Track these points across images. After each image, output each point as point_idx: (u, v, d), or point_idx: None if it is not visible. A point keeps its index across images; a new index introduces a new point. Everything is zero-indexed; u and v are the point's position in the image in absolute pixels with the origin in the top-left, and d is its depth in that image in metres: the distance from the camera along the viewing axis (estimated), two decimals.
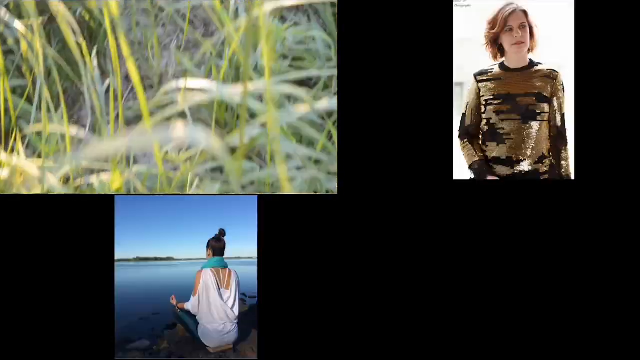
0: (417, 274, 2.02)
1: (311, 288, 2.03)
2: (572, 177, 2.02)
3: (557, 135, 2.01)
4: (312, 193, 2.05)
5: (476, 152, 2.03)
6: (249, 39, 1.99)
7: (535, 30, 1.97)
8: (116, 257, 2.01)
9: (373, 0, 2.04)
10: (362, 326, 2.03)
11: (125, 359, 1.99)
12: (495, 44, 2.00)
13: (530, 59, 2.00)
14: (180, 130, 1.37)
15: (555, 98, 2.00)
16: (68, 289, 2.01)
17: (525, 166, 2.00)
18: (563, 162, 2.01)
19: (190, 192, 2.04)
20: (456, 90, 2.06)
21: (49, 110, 1.95)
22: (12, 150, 2.03)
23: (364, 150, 2.04)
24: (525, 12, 1.96)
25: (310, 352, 2.03)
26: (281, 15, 2.39)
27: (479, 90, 2.03)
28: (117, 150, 1.79)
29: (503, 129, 2.00)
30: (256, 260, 2.02)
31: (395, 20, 2.04)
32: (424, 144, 2.05)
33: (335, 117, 2.04)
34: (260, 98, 2.03)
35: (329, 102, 1.98)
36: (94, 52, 2.16)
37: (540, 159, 2.01)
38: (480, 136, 2.05)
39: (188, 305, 2.01)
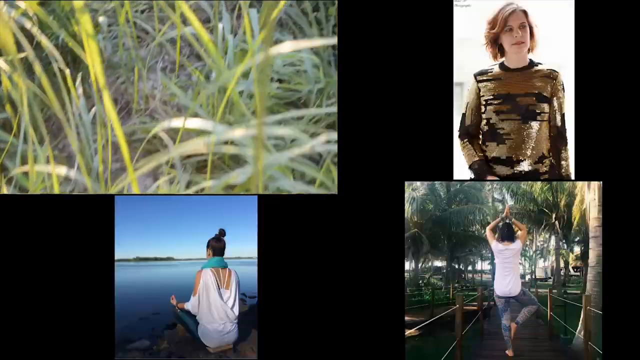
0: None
1: (311, 288, 2.03)
2: (572, 176, 2.02)
3: (557, 135, 2.01)
4: (312, 193, 2.04)
5: (476, 152, 2.03)
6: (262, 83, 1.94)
7: (535, 30, 1.96)
8: (116, 257, 2.01)
9: (373, 1, 2.04)
10: (362, 326, 2.03)
11: (125, 359, 1.99)
12: (495, 44, 2.00)
13: (530, 59, 2.00)
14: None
15: (555, 98, 2.00)
16: (68, 289, 2.01)
17: (525, 166, 2.00)
18: (563, 162, 2.01)
19: (190, 193, 2.03)
20: (456, 90, 2.05)
21: (33, 142, 1.93)
22: None
23: (364, 150, 2.04)
24: (525, 12, 1.96)
25: (310, 351, 2.03)
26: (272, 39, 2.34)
27: (479, 90, 2.03)
28: None
29: (503, 129, 2.00)
30: (256, 260, 2.02)
31: (395, 20, 2.04)
32: (424, 144, 2.05)
33: (334, 153, 2.02)
34: (253, 139, 1.97)
35: (327, 137, 1.96)
36: (79, 79, 2.13)
37: (540, 159, 2.00)
38: (480, 136, 2.04)
39: (188, 305, 2.01)
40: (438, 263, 2.31)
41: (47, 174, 1.95)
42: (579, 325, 2.05)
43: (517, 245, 2.07)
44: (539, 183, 2.17)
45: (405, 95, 2.04)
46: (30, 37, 1.96)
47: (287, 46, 1.90)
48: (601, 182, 2.01)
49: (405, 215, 2.05)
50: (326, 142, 1.95)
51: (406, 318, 2.03)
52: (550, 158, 2.02)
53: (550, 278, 2.28)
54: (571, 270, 2.24)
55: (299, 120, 2.11)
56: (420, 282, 2.23)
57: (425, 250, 2.23)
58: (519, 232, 2.08)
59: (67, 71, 1.98)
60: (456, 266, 2.33)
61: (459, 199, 2.27)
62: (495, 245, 2.08)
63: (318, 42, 2.19)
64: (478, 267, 2.33)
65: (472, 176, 2.04)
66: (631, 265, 2.01)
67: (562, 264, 2.25)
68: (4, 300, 2.01)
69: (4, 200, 2.02)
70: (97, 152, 2.00)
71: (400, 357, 2.01)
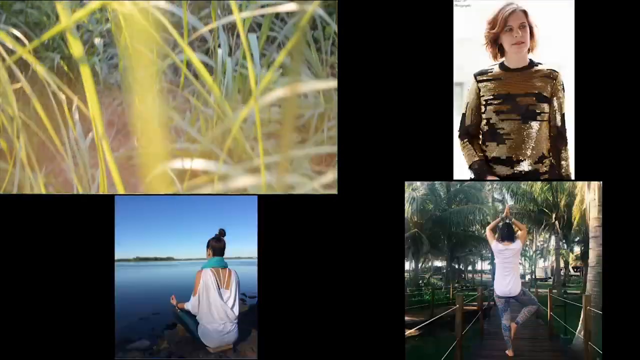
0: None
1: (311, 288, 2.03)
2: (572, 176, 2.02)
3: (557, 135, 2.00)
4: (312, 193, 2.04)
5: (476, 152, 2.03)
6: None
7: (535, 30, 1.96)
8: (116, 257, 2.01)
9: (373, 1, 2.04)
10: (362, 326, 2.03)
11: (125, 359, 1.99)
12: (495, 44, 2.00)
13: (530, 59, 2.00)
14: None
15: (555, 98, 2.00)
16: (68, 289, 2.01)
17: (525, 166, 2.00)
18: (563, 162, 2.01)
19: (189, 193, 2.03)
20: (456, 90, 2.05)
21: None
22: None
23: (364, 150, 2.04)
24: (525, 12, 1.96)
25: (310, 351, 2.02)
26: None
27: (479, 90, 2.03)
28: None
29: (503, 129, 2.00)
30: (256, 260, 2.02)
31: (395, 20, 2.04)
32: (424, 144, 2.05)
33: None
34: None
35: (332, 176, 1.98)
36: (75, 104, 2.11)
37: (540, 159, 2.00)
38: (480, 136, 2.04)
39: (188, 305, 2.01)
40: (438, 263, 2.30)
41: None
42: (579, 325, 2.05)
43: (517, 245, 2.07)
44: (539, 183, 2.17)
45: (405, 96, 2.04)
46: (25, 64, 1.97)
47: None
48: (601, 182, 2.01)
49: (405, 215, 2.05)
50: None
51: (406, 318, 2.03)
52: (550, 158, 2.02)
53: (550, 278, 2.27)
54: (571, 270, 2.24)
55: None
56: (420, 282, 2.23)
57: (425, 250, 2.22)
58: (519, 232, 2.08)
59: (64, 96, 1.99)
60: (456, 266, 2.33)
61: (459, 199, 2.27)
62: (495, 245, 2.08)
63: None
64: (478, 267, 2.33)
65: (472, 176, 2.04)
66: (631, 265, 2.01)
67: (562, 264, 2.25)
68: (4, 300, 2.01)
69: (5, 200, 2.02)
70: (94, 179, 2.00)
71: (400, 357, 2.01)
